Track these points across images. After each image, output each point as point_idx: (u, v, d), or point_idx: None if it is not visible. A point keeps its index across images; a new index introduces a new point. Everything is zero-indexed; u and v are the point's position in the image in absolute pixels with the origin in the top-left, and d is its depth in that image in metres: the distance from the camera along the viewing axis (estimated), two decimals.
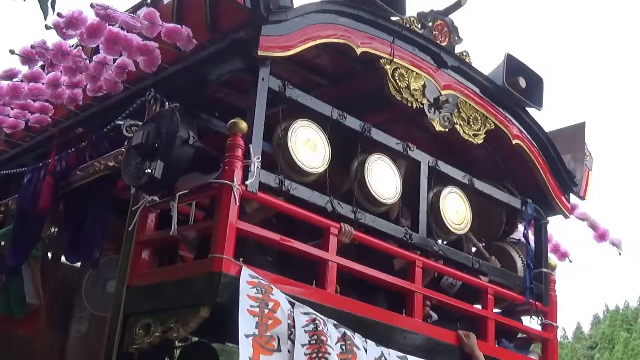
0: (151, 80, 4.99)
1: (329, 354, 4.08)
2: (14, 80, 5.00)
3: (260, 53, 4.39)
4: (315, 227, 4.71)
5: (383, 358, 4.50)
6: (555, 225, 6.98)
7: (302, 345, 4.07)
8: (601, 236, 6.75)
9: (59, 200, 5.54)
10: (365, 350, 4.41)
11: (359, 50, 4.90)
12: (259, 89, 4.48)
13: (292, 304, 4.16)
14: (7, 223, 6.10)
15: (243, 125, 4.30)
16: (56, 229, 6.29)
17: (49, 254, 6.69)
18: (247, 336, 3.80)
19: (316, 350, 4.07)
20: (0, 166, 6.36)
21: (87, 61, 4.78)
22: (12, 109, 5.53)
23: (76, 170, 5.37)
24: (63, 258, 6.77)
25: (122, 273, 4.62)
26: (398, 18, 5.20)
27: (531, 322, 6.06)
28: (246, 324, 3.83)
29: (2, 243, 6.29)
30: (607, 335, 35.93)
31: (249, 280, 4.03)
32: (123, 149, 4.88)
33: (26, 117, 5.56)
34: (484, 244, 6.35)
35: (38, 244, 5.91)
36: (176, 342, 5.10)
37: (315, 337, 4.12)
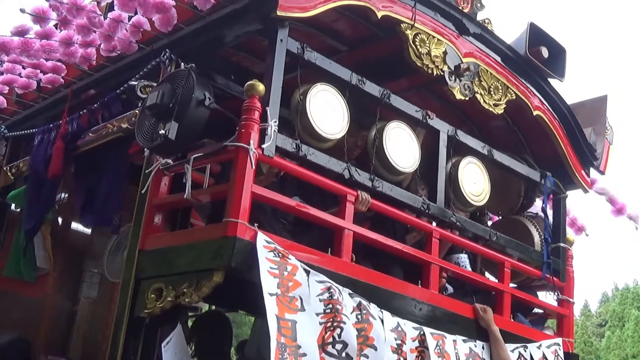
0: (166, 41, 4.88)
1: (344, 323, 4.01)
2: (25, 37, 4.87)
3: (279, 13, 4.26)
4: (330, 193, 4.61)
5: (399, 329, 4.44)
6: (570, 200, 6.84)
7: (317, 314, 4.00)
8: (619, 210, 6.64)
9: (71, 163, 5.46)
10: (382, 321, 4.34)
11: (379, 14, 4.77)
12: (277, 51, 4.36)
13: (307, 272, 4.08)
14: (17, 185, 6.05)
15: (260, 87, 4.19)
16: (66, 195, 6.24)
17: (59, 219, 6.63)
18: (271, 295, 3.75)
19: (331, 320, 4.00)
20: (11, 127, 6.30)
21: (102, 18, 4.65)
22: (23, 67, 5.44)
23: (88, 132, 5.29)
24: (73, 224, 6.76)
25: (134, 237, 4.54)
26: None
27: (547, 297, 5.96)
28: (269, 284, 3.77)
29: (13, 205, 6.26)
30: (617, 313, 35.90)
31: (265, 245, 3.95)
32: (137, 111, 4.79)
33: (38, 77, 5.46)
34: (501, 217, 6.25)
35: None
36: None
37: (331, 305, 4.04)
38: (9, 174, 6.14)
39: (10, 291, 6.05)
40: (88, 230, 6.72)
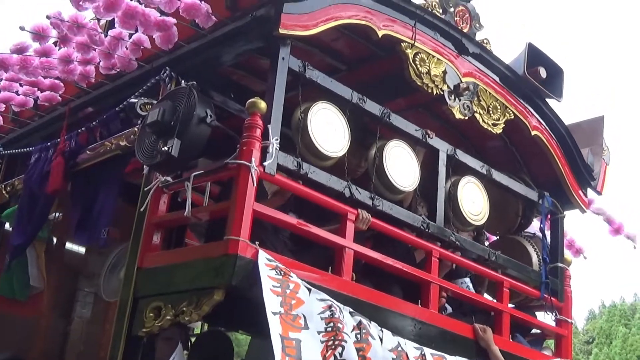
0: (166, 59, 4.87)
1: (346, 341, 3.96)
2: (24, 54, 4.85)
3: (281, 31, 4.26)
4: (329, 210, 4.59)
5: (400, 348, 4.38)
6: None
7: (319, 333, 3.95)
8: (616, 230, 6.65)
9: (67, 181, 5.41)
10: (381, 340, 4.29)
11: (380, 33, 4.78)
12: (278, 69, 4.36)
13: (309, 290, 4.04)
14: (12, 203, 6.00)
15: (262, 105, 4.18)
16: (61, 214, 6.19)
17: (54, 239, 6.57)
18: (274, 314, 3.69)
19: (332, 338, 3.95)
20: (7, 145, 6.26)
21: (102, 36, 4.64)
22: (21, 85, 5.41)
23: (86, 150, 5.25)
24: (68, 243, 6.70)
25: (132, 255, 4.50)
26: (420, 1, 5.08)
27: (545, 318, 5.93)
28: (272, 302, 3.72)
29: (7, 224, 6.20)
30: (604, 330, 35.88)
31: (267, 263, 3.92)
32: (136, 129, 4.76)
33: (35, 94, 5.43)
34: (499, 237, 6.25)
35: (44, 226, 5.78)
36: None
37: (332, 324, 4.00)
38: (4, 192, 6.09)
39: (3, 310, 5.97)
40: (82, 250, 6.67)
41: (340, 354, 3.92)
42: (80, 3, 4.18)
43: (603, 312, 38.98)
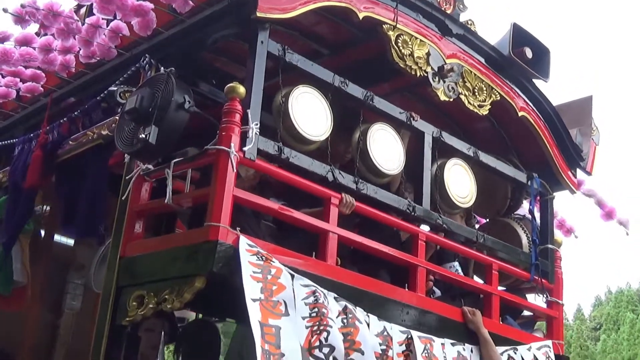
0: (146, 46, 4.83)
1: (330, 327, 3.95)
2: (5, 44, 4.81)
3: (258, 14, 4.20)
4: (315, 196, 4.56)
5: (385, 333, 4.38)
6: (559, 202, 6.81)
7: (303, 318, 3.94)
8: (608, 215, 6.61)
9: (51, 173, 5.38)
10: (368, 325, 4.28)
11: (361, 15, 4.72)
12: (257, 53, 4.31)
13: (292, 276, 4.01)
14: None
15: (241, 89, 4.13)
16: (48, 206, 6.14)
17: (42, 231, 6.53)
18: (254, 300, 3.68)
19: (317, 323, 3.94)
20: None
21: (80, 24, 4.59)
22: (2, 77, 5.37)
23: (69, 140, 5.21)
24: (56, 236, 6.65)
25: (115, 244, 4.47)
26: None
27: (536, 300, 5.90)
28: (251, 289, 3.70)
29: None
30: (612, 317, 35.92)
31: (248, 249, 3.88)
32: (117, 117, 4.72)
33: (17, 85, 5.39)
34: (488, 219, 6.21)
35: (29, 219, 5.74)
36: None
37: (316, 309, 3.98)
38: None
39: None
40: (71, 242, 6.62)
41: (326, 339, 3.91)
42: None
43: (609, 298, 39.02)
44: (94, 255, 5.84)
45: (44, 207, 6.12)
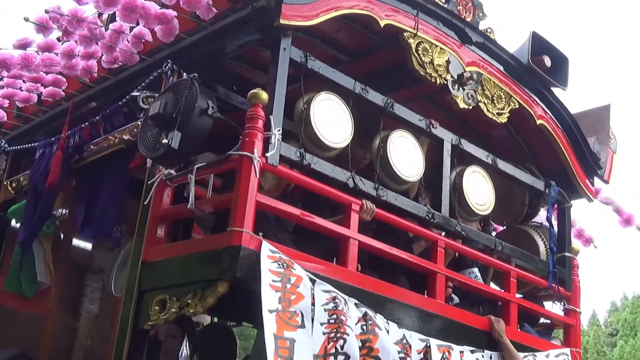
0: (168, 52, 4.86)
1: (348, 334, 3.95)
2: (27, 49, 4.85)
3: (282, 21, 4.23)
4: (335, 202, 4.58)
5: (405, 341, 4.38)
6: (576, 209, 6.81)
7: (321, 324, 3.95)
8: (627, 221, 6.60)
9: (71, 176, 5.42)
10: (387, 332, 4.28)
11: (382, 23, 4.75)
12: (280, 60, 4.34)
13: (313, 282, 4.03)
14: (18, 199, 6.00)
15: (264, 95, 4.16)
16: (67, 210, 6.18)
17: (61, 234, 6.57)
18: (270, 312, 3.66)
19: (335, 330, 3.94)
20: (12, 141, 6.25)
21: (103, 29, 4.63)
22: (24, 82, 5.41)
23: (90, 145, 5.25)
24: (75, 239, 6.70)
25: (137, 249, 4.49)
26: None
27: (553, 307, 5.90)
28: (269, 299, 3.69)
29: (13, 221, 6.20)
30: (629, 322, 35.58)
31: (269, 255, 3.90)
32: (139, 122, 4.75)
33: (39, 90, 5.43)
34: (505, 227, 6.21)
35: (50, 221, 5.78)
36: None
37: (335, 316, 3.99)
38: (10, 188, 6.09)
39: (10, 306, 5.97)
40: (89, 246, 6.67)
41: (342, 347, 3.91)
42: None
43: (626, 304, 38.68)
44: (114, 259, 5.90)
45: (63, 210, 6.16)
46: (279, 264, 3.90)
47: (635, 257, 46.49)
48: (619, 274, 51.46)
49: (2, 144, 6.23)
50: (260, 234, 3.98)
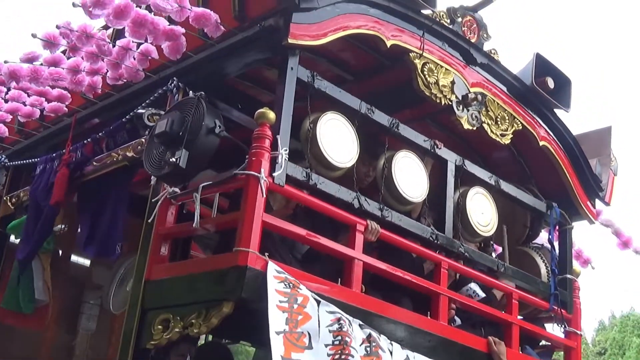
0: (173, 69, 4.85)
1: (352, 356, 3.91)
2: (34, 63, 4.83)
3: (290, 41, 4.23)
4: (338, 222, 4.56)
5: None
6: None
7: (326, 346, 3.91)
8: (625, 243, 6.60)
9: (73, 192, 5.38)
10: (391, 353, 4.25)
11: (389, 43, 4.75)
12: (287, 79, 4.33)
13: (318, 302, 4.00)
14: (17, 215, 5.96)
15: (271, 115, 4.15)
16: (66, 226, 6.15)
17: (59, 251, 6.53)
18: (278, 333, 3.63)
19: (339, 352, 3.90)
20: (12, 157, 6.22)
21: (110, 46, 4.62)
22: (28, 95, 5.39)
23: (92, 161, 5.22)
24: (73, 255, 6.66)
25: (140, 267, 4.46)
26: (428, 12, 5.06)
27: (554, 330, 5.90)
28: (276, 320, 3.66)
29: (12, 237, 6.15)
30: (617, 341, 35.57)
31: (275, 275, 3.87)
32: (143, 140, 4.73)
33: (42, 105, 5.40)
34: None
35: (49, 238, 5.74)
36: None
37: (340, 337, 3.95)
38: (9, 203, 6.06)
39: (8, 324, 5.92)
40: (87, 262, 6.63)
41: None
42: (92, 11, 4.14)
43: (614, 322, 38.69)
44: (112, 276, 5.85)
45: (62, 226, 6.12)
46: (285, 284, 3.88)
47: (621, 276, 46.58)
48: (606, 293, 51.51)
49: (3, 159, 6.19)
50: (266, 254, 3.96)
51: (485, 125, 5.35)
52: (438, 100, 5.04)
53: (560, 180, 5.94)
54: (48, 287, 5.91)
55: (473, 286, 5.54)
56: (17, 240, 6.05)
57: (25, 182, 6.02)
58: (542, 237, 6.28)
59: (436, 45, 5.11)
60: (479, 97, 5.29)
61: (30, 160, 5.86)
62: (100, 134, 5.21)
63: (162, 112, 4.55)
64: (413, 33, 4.94)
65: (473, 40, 5.38)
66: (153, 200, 4.51)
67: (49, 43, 4.49)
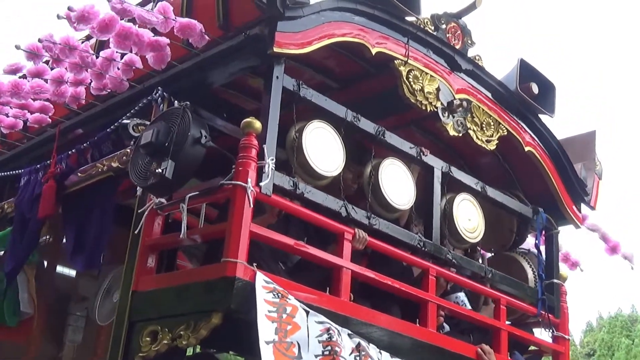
0: (158, 79, 4.81)
1: None
2: (17, 75, 4.79)
3: (275, 50, 4.22)
4: (325, 231, 4.55)
5: None
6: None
7: (316, 356, 3.89)
8: (612, 249, 6.61)
9: (58, 204, 5.33)
10: None
11: (374, 50, 4.76)
12: (273, 88, 4.31)
13: (307, 312, 3.98)
14: (1, 227, 5.89)
15: (257, 124, 4.13)
16: (51, 237, 6.09)
17: (45, 262, 6.47)
18: (267, 343, 3.61)
19: None
20: None
21: (94, 57, 4.59)
22: (11, 108, 5.34)
23: (77, 172, 5.17)
24: (58, 267, 6.60)
25: (127, 278, 4.43)
26: (412, 19, 5.06)
27: (542, 334, 5.90)
28: (266, 330, 3.64)
29: None
30: (606, 342, 35.74)
31: (264, 285, 3.86)
32: (128, 150, 4.70)
33: (25, 117, 5.36)
34: (493, 254, 6.21)
35: (35, 250, 5.69)
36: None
37: (329, 347, 3.94)
38: None
39: None
40: (72, 273, 6.57)
41: None
42: (76, 25, 4.12)
43: (602, 324, 38.88)
44: (97, 288, 5.80)
45: (47, 237, 6.06)
46: (274, 294, 3.86)
47: (608, 277, 46.88)
48: (592, 294, 51.85)
49: None
50: (255, 264, 3.94)
51: (470, 132, 5.36)
52: (423, 107, 5.05)
53: (545, 185, 5.96)
54: (33, 299, 5.87)
55: (462, 296, 5.54)
56: (1, 252, 5.99)
57: (9, 194, 5.96)
58: (529, 242, 6.28)
59: (421, 52, 5.11)
60: (464, 103, 5.30)
61: (13, 172, 5.80)
62: (85, 144, 5.16)
63: (147, 122, 4.51)
64: (398, 40, 4.95)
65: (457, 47, 5.38)
66: (139, 211, 4.48)
67: (32, 54, 4.45)
